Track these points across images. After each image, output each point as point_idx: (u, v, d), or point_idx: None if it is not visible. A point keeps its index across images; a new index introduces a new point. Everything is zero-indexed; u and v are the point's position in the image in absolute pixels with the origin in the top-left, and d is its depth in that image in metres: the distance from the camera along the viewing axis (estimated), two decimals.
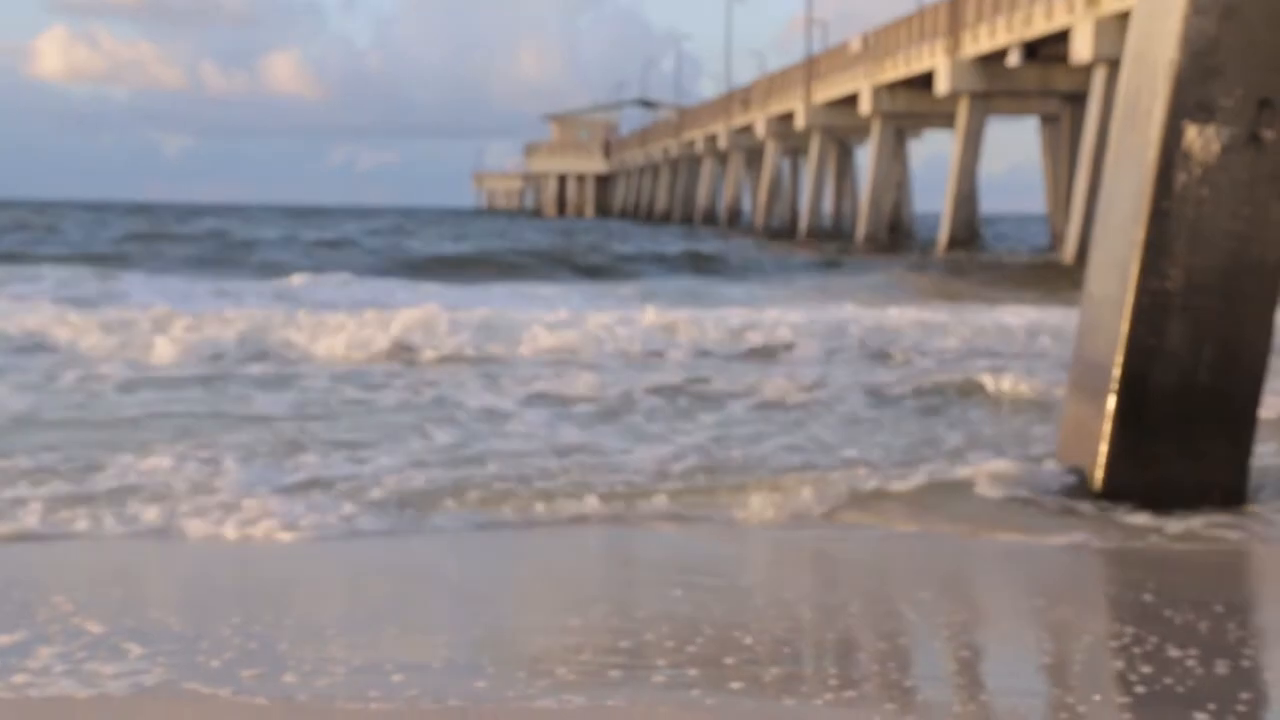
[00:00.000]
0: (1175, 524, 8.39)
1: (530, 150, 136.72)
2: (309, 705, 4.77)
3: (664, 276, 37.56)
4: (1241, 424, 9.39)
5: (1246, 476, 9.30)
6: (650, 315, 20.55)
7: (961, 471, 9.74)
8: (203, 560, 7.36)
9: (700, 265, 41.92)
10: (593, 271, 39.20)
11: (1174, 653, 5.50)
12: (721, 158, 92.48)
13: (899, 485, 9.26)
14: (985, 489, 9.29)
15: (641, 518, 8.29)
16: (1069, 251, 39.63)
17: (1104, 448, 9.37)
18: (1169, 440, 9.34)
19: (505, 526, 8.03)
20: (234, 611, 6.19)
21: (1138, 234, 9.31)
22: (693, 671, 5.19)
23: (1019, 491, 9.27)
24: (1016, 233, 77.79)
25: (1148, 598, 6.52)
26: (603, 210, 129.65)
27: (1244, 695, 5.00)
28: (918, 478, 9.48)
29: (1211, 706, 4.84)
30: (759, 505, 8.65)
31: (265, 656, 5.48)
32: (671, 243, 58.83)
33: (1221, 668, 5.32)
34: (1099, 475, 9.31)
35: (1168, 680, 5.16)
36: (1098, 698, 5.00)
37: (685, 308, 22.98)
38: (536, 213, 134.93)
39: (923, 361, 17.09)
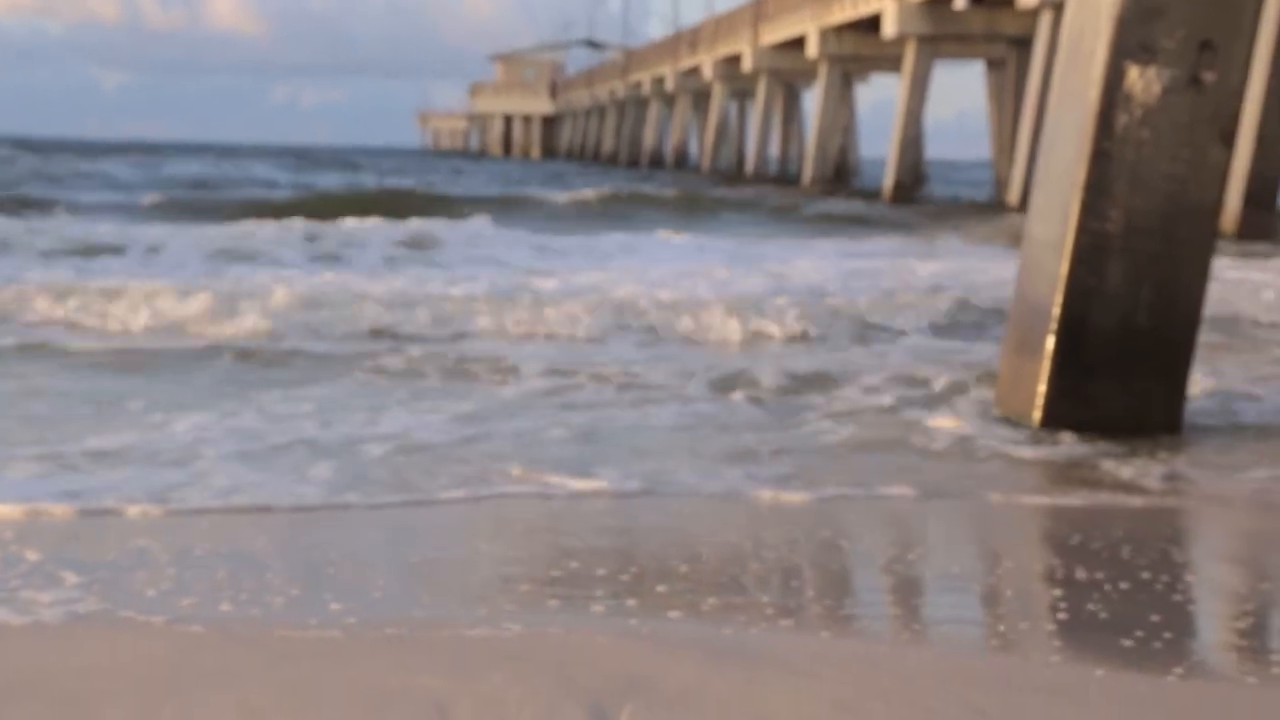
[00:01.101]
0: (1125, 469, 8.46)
1: (475, 90, 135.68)
2: (244, 633, 4.77)
3: (748, 223, 34.12)
4: (1178, 364, 9.48)
5: (1181, 415, 9.42)
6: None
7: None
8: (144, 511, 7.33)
9: (774, 213, 38.02)
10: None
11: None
12: (668, 100, 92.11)
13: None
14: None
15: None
16: (1013, 197, 39.78)
17: (1042, 388, 9.46)
18: (1107, 380, 9.43)
19: None
20: (172, 545, 6.18)
21: (1079, 174, 9.35)
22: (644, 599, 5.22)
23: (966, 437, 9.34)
24: (961, 178, 77.94)
25: (1061, 536, 6.60)
26: (549, 151, 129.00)
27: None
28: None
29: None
30: None
31: (202, 587, 5.48)
32: (690, 186, 55.15)
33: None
34: (1037, 416, 9.39)
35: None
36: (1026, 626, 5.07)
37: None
38: (482, 153, 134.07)
39: None
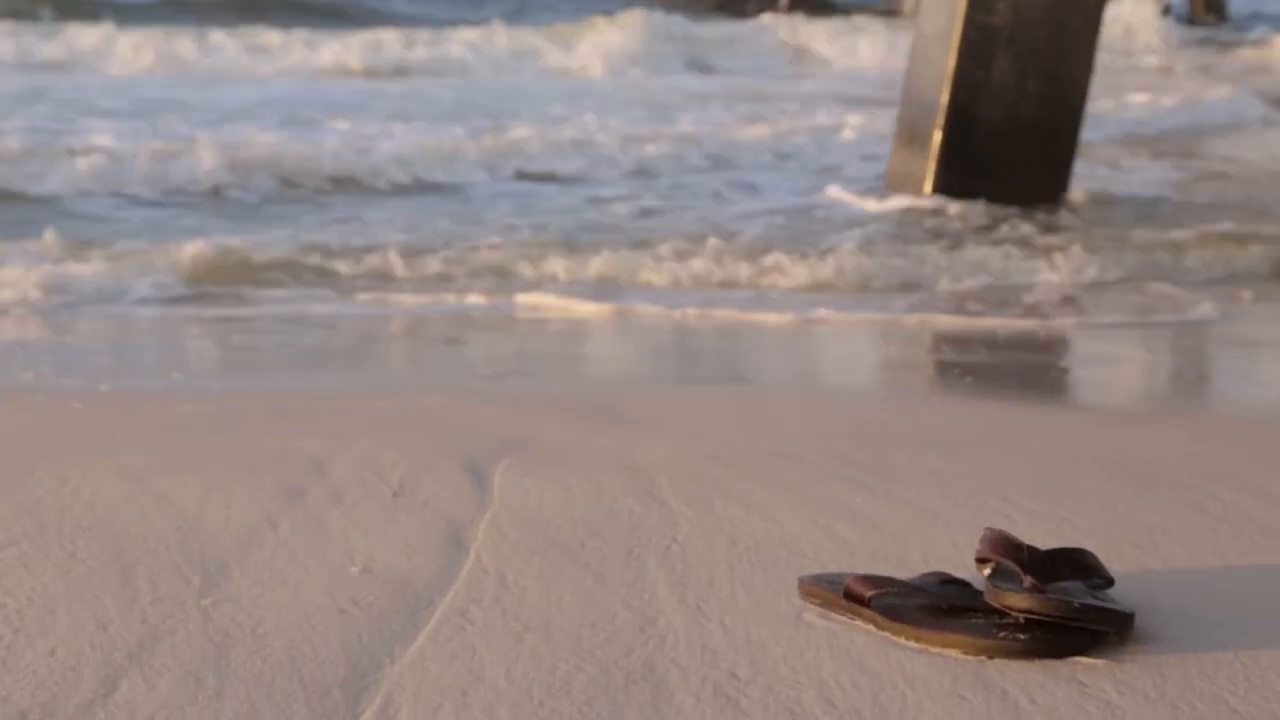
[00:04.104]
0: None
1: None
2: (123, 406, 4.77)
3: None
4: (1062, 155, 9.63)
5: (1064, 207, 9.60)
6: None
7: None
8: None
9: None
10: None
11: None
12: None
13: None
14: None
15: None
16: (909, 5, 39.65)
17: (928, 187, 9.59)
18: (991, 174, 9.55)
19: None
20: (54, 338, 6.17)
21: None
22: None
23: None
24: None
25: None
26: None
27: None
28: None
29: None
30: None
31: (84, 367, 5.51)
32: None
33: None
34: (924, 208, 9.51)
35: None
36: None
37: None
38: None
39: None
